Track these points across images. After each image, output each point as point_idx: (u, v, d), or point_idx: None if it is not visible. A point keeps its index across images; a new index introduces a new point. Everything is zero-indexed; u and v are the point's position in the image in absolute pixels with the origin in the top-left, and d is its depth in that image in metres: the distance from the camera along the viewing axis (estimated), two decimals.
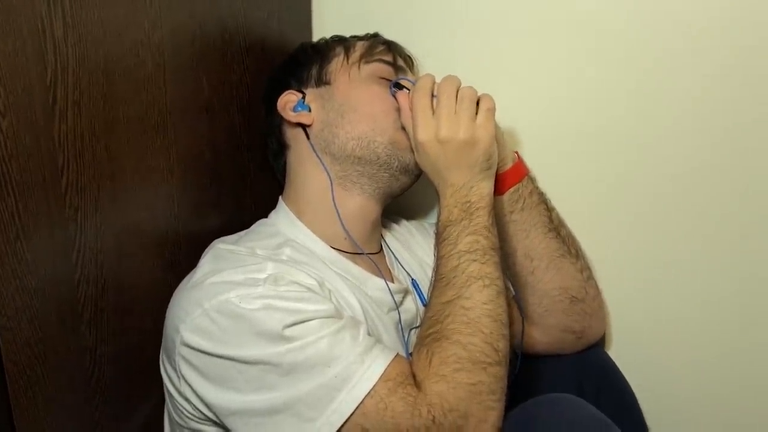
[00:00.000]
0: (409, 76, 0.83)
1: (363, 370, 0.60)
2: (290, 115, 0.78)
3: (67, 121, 0.58)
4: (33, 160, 0.55)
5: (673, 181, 0.83)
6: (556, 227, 0.81)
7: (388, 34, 0.85)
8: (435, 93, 0.73)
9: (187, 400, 0.65)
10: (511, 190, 0.79)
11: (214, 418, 0.64)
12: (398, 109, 0.76)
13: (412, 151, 0.75)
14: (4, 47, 0.52)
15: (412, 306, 0.80)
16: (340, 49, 0.80)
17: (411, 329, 0.78)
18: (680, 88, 0.80)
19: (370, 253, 0.79)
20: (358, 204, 0.77)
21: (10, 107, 0.53)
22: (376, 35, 0.84)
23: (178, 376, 0.65)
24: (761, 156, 0.80)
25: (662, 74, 0.81)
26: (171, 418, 0.72)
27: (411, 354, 0.70)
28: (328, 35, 0.86)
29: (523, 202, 0.79)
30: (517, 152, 0.82)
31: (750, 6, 0.76)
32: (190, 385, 0.64)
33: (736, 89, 0.79)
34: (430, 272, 0.80)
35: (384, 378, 0.60)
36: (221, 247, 0.70)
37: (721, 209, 0.82)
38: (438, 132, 0.70)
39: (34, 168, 0.56)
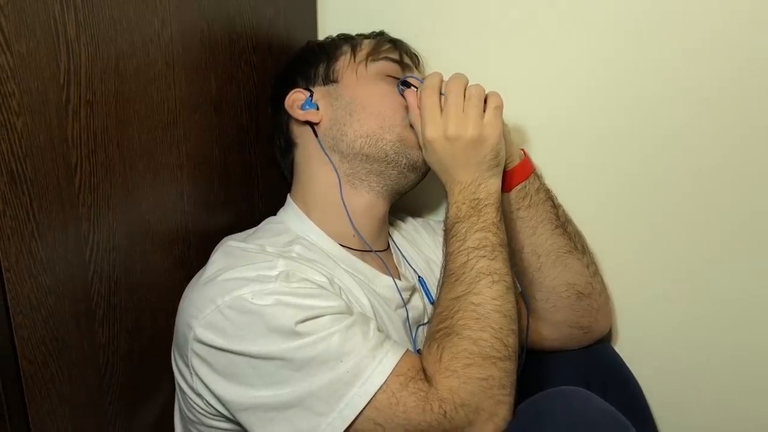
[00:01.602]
0: (416, 74, 0.83)
1: (374, 365, 0.61)
2: (298, 113, 0.78)
3: (80, 120, 0.59)
4: (47, 159, 0.56)
5: (679, 177, 0.84)
6: (563, 224, 0.82)
7: (393, 33, 0.85)
8: (443, 91, 0.73)
9: (199, 395, 0.66)
10: (518, 187, 0.80)
11: (226, 414, 0.65)
12: (406, 107, 0.76)
13: (420, 149, 0.75)
14: (18, 48, 0.52)
15: (419, 303, 0.81)
16: (346, 48, 0.81)
17: (418, 326, 0.79)
18: (688, 87, 0.81)
19: (378, 251, 0.79)
20: (366, 201, 0.77)
21: (25, 107, 0.53)
22: (382, 33, 0.85)
23: (191, 372, 0.65)
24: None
25: (670, 73, 0.81)
26: (182, 414, 0.72)
27: (419, 350, 0.71)
28: (333, 34, 0.86)
29: (530, 199, 0.80)
30: (523, 149, 0.83)
31: (764, 5, 0.76)
32: (202, 381, 0.64)
33: (744, 90, 0.79)
34: (436, 270, 0.81)
35: (395, 373, 0.61)
36: (231, 244, 0.71)
37: (727, 205, 0.83)
38: (446, 130, 0.71)
39: (48, 167, 0.56)
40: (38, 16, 0.53)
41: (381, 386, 0.60)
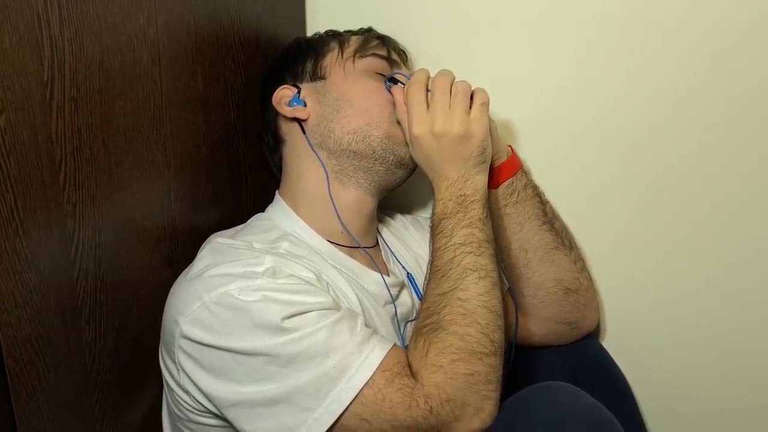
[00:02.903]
0: (403, 71, 0.83)
1: (361, 361, 0.61)
2: (286, 110, 0.78)
3: (64, 117, 0.58)
4: (31, 156, 0.56)
5: (666, 173, 0.84)
6: (550, 220, 0.82)
7: (381, 29, 0.85)
8: (429, 87, 0.74)
9: (186, 392, 0.66)
10: (506, 183, 0.80)
11: (214, 410, 0.65)
12: (393, 104, 0.76)
13: (407, 145, 0.75)
14: (1, 44, 0.52)
15: (407, 299, 0.81)
16: (334, 44, 0.81)
17: (407, 322, 0.79)
18: (672, 82, 0.81)
19: (366, 247, 0.79)
20: (354, 198, 0.78)
21: (8, 104, 0.53)
22: (369, 30, 0.85)
23: (178, 369, 0.65)
24: (753, 150, 0.80)
25: (655, 68, 0.81)
26: (170, 411, 0.72)
27: (407, 346, 0.71)
28: (321, 30, 0.86)
29: (518, 195, 0.80)
30: (510, 146, 0.83)
31: (743, 3, 0.77)
32: (189, 378, 0.64)
33: (729, 85, 0.79)
34: (425, 266, 0.81)
35: (381, 368, 0.61)
36: (219, 241, 0.71)
37: (713, 200, 0.83)
38: (433, 126, 0.71)
39: (33, 164, 0.56)
40: (21, 11, 0.53)
41: (367, 382, 0.60)
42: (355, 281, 0.75)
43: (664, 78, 0.81)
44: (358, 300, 0.73)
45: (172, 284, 0.70)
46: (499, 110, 0.81)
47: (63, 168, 0.59)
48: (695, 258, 0.86)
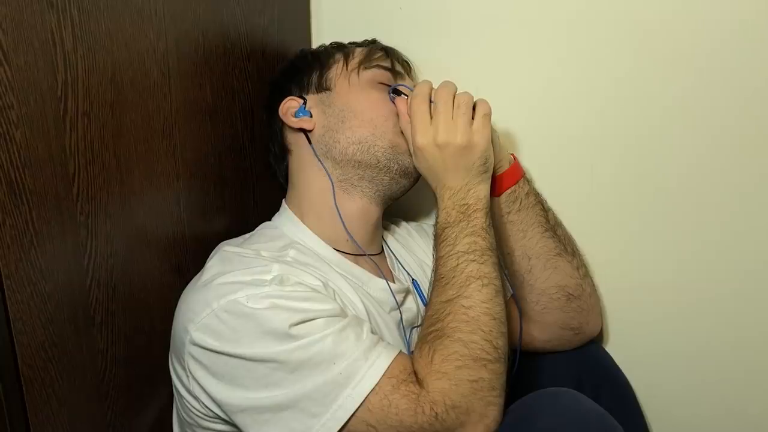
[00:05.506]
0: (407, 82, 0.85)
1: (367, 367, 0.62)
2: (292, 121, 0.79)
3: (77, 131, 0.60)
4: (45, 169, 0.57)
5: (667, 178, 0.85)
6: (553, 227, 0.83)
7: (385, 41, 0.87)
8: (432, 99, 0.75)
9: (195, 398, 0.67)
10: (508, 191, 0.81)
11: (223, 416, 0.66)
12: (397, 114, 0.78)
13: (411, 155, 0.77)
14: (16, 60, 0.53)
15: (413, 306, 0.82)
16: (339, 56, 0.82)
17: (412, 328, 0.80)
18: (674, 88, 0.82)
19: (371, 254, 0.80)
20: (360, 206, 0.79)
21: (23, 118, 0.54)
22: (374, 41, 0.86)
23: (187, 375, 0.67)
24: (755, 154, 0.81)
25: (657, 75, 0.82)
26: (180, 417, 0.73)
27: (413, 352, 0.72)
28: (326, 42, 0.88)
29: (520, 203, 0.81)
30: (513, 154, 0.84)
31: (742, 8, 0.78)
32: (199, 384, 0.66)
33: (729, 89, 0.80)
34: (429, 273, 0.82)
35: (387, 375, 0.62)
36: (227, 249, 0.72)
37: (714, 204, 0.84)
38: (436, 137, 0.72)
39: (47, 177, 0.57)
40: (35, 29, 0.55)
41: (373, 388, 0.61)
42: (361, 288, 0.76)
43: (665, 84, 0.82)
44: (364, 307, 0.74)
45: (182, 292, 0.71)
46: (501, 119, 0.82)
47: (76, 180, 0.60)
48: (697, 262, 0.86)
